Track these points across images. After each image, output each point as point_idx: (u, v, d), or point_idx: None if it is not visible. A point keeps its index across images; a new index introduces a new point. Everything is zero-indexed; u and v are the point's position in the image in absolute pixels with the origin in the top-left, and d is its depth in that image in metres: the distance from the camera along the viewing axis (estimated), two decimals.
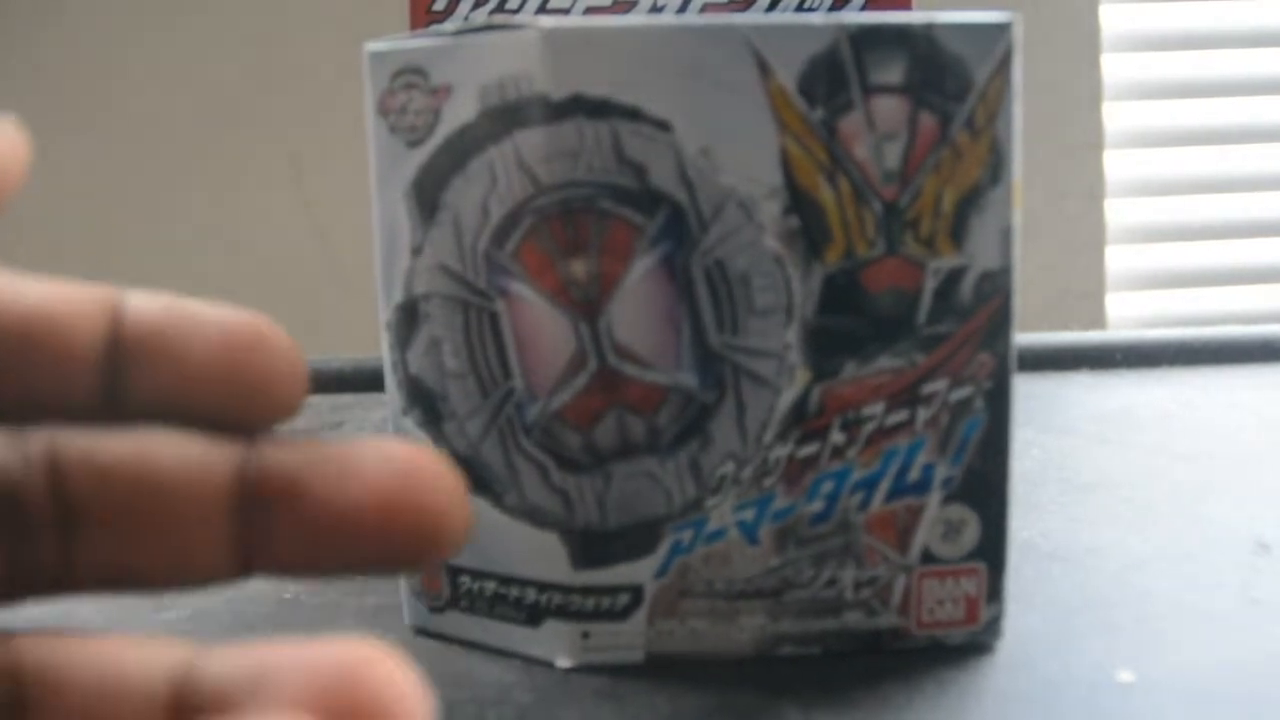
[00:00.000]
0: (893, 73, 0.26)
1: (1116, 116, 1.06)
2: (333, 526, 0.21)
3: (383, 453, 0.21)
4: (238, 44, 1.02)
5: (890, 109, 0.26)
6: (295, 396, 0.21)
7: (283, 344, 0.21)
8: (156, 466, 0.20)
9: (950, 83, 0.26)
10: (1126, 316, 1.08)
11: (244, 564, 0.21)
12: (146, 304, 0.21)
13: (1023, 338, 0.59)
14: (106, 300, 0.21)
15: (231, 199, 1.03)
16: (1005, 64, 0.26)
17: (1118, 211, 1.07)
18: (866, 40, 0.26)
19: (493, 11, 0.33)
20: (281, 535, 0.21)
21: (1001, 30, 0.26)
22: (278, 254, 1.03)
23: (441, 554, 0.21)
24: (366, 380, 0.56)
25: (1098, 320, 1.06)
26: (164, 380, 0.21)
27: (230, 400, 0.21)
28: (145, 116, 1.02)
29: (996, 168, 0.27)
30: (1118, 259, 1.07)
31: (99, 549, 0.20)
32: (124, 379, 0.21)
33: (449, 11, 0.33)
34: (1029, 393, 0.54)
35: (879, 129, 0.26)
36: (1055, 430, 0.48)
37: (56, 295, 0.21)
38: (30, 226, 0.99)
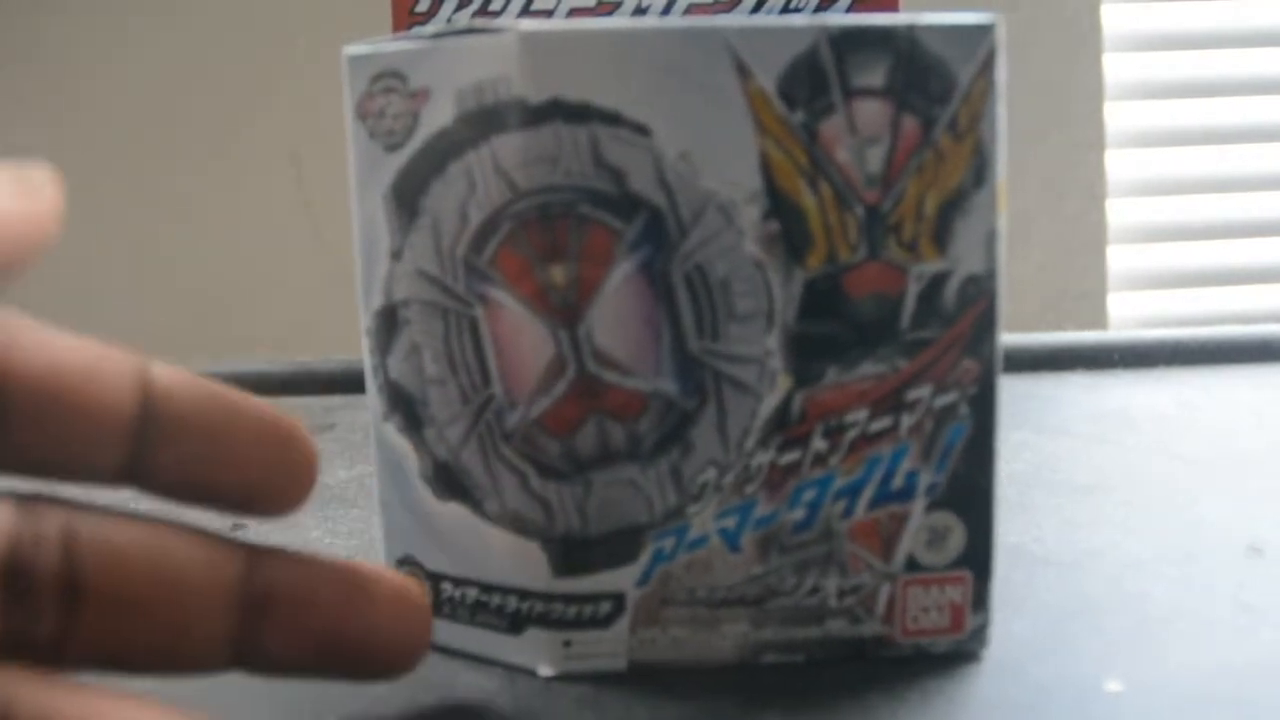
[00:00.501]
0: (874, 75, 0.26)
1: (1117, 116, 1.06)
2: (335, 642, 0.23)
3: (386, 582, 0.24)
4: (237, 44, 1.02)
5: (872, 112, 0.26)
6: (305, 494, 0.23)
7: (307, 446, 0.23)
8: (169, 558, 0.21)
9: (933, 85, 0.26)
10: (1127, 316, 1.07)
11: (232, 660, 0.22)
12: (176, 380, 0.22)
13: (1018, 338, 0.59)
14: (136, 368, 0.22)
15: (231, 199, 1.03)
16: (988, 65, 0.26)
17: (1119, 211, 1.06)
18: (847, 42, 0.26)
19: (475, 13, 0.32)
20: (277, 640, 0.22)
21: (984, 31, 0.26)
22: (278, 254, 1.03)
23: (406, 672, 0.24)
24: (359, 382, 0.56)
25: (1099, 320, 1.05)
26: (192, 460, 0.22)
27: (249, 490, 0.23)
28: (145, 116, 1.02)
29: (980, 170, 0.26)
30: (1119, 259, 1.07)
31: (100, 629, 0.21)
32: (151, 451, 0.22)
33: (431, 13, 0.32)
34: (1024, 393, 0.53)
35: (861, 132, 0.26)
36: (1050, 431, 0.48)
37: (90, 356, 0.21)
38: None
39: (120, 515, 0.21)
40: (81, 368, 0.21)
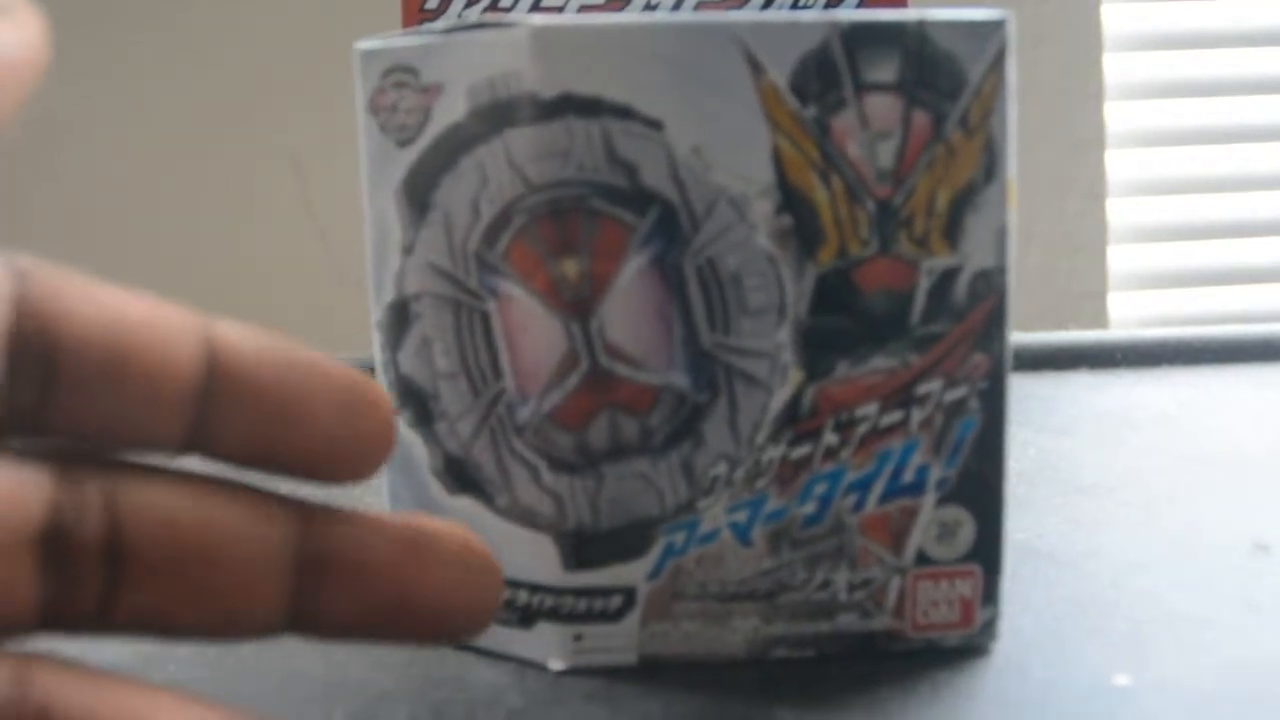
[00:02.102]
0: (886, 70, 0.26)
1: (1117, 116, 1.06)
2: (396, 606, 0.21)
3: (446, 541, 0.22)
4: (238, 43, 1.02)
5: (884, 107, 0.26)
6: (380, 462, 0.21)
7: (385, 410, 0.21)
8: (218, 522, 0.20)
9: (944, 80, 0.26)
10: (1129, 316, 1.07)
11: (285, 624, 0.21)
12: (244, 339, 0.20)
13: (1021, 337, 0.58)
14: (200, 327, 0.20)
15: (231, 199, 1.03)
16: (999, 61, 0.26)
17: (1119, 211, 1.07)
18: (859, 37, 0.26)
19: (485, 9, 0.32)
20: (332, 604, 0.21)
21: (996, 27, 0.26)
22: (278, 254, 1.03)
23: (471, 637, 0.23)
24: None
25: (1100, 320, 1.05)
26: (261, 427, 0.20)
27: (320, 459, 0.21)
28: (145, 116, 1.02)
29: (991, 166, 0.27)
30: (1120, 258, 1.07)
31: (146, 597, 0.20)
32: (217, 417, 0.20)
33: (441, 9, 0.32)
34: (1027, 392, 0.54)
35: (872, 127, 0.26)
36: (1053, 430, 0.48)
37: (148, 313, 0.20)
38: (31, 225, 0.99)
39: (167, 476, 0.20)
40: (139, 325, 0.19)
